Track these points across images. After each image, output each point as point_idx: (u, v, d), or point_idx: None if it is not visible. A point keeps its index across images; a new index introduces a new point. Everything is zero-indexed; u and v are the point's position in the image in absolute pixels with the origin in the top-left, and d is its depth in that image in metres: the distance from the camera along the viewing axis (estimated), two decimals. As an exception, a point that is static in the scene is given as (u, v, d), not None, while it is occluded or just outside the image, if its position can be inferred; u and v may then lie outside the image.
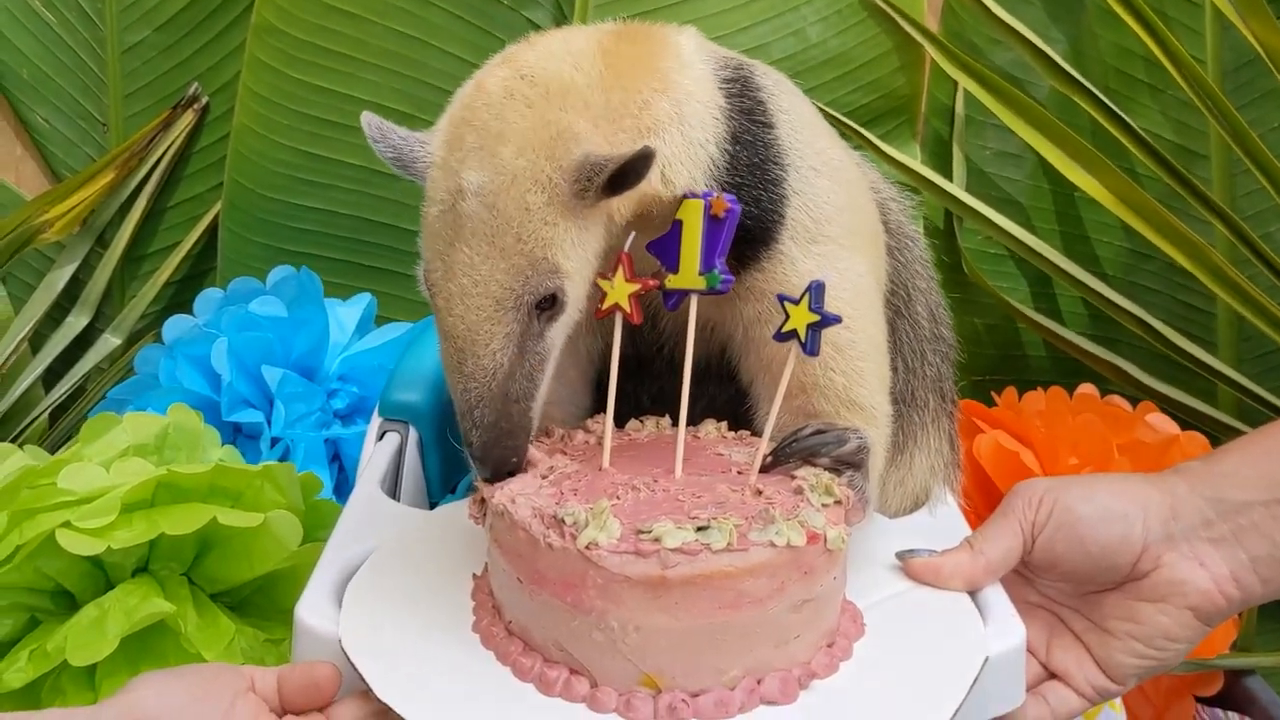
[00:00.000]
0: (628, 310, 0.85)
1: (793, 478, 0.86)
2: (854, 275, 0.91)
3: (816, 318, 0.82)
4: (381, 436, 1.20)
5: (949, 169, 1.59)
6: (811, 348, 0.83)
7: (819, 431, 0.90)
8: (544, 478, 0.86)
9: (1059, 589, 0.96)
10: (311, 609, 0.89)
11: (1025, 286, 1.63)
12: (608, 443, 0.88)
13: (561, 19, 1.51)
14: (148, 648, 1.04)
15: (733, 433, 0.96)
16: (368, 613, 0.87)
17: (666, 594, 0.76)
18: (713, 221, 0.85)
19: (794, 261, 0.89)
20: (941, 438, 1.11)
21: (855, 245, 0.92)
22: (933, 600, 0.91)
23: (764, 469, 0.88)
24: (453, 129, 0.84)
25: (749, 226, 0.87)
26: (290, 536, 1.09)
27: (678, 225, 0.85)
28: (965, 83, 1.52)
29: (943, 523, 1.05)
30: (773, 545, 0.77)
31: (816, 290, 0.83)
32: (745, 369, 0.96)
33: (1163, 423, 1.37)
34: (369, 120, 0.87)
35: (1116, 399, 1.45)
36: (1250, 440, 0.92)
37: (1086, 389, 1.45)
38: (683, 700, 0.77)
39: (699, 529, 0.77)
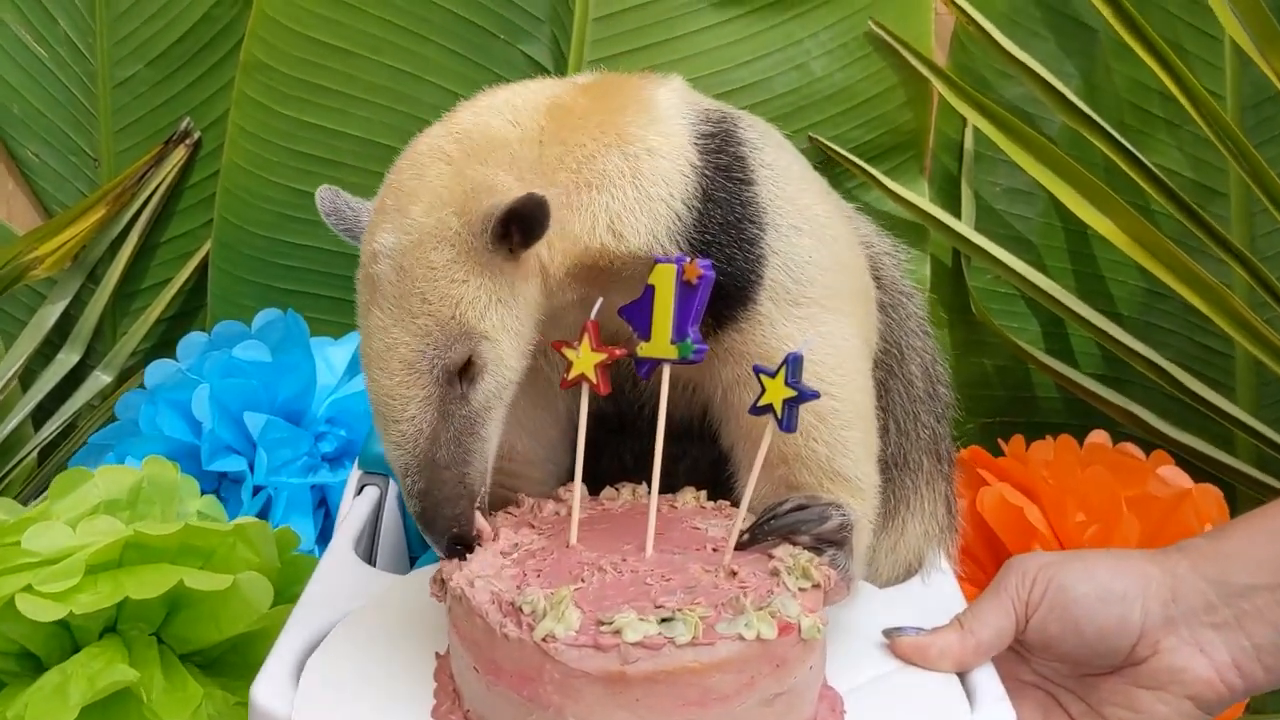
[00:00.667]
0: (594, 381, 0.81)
1: (770, 557, 0.82)
2: (839, 338, 0.87)
3: (793, 393, 0.78)
4: (360, 490, 1.17)
5: (958, 206, 1.54)
6: (788, 424, 0.79)
7: (800, 507, 0.85)
8: (506, 555, 0.82)
9: (1054, 669, 0.92)
10: (268, 687, 0.85)
11: (1036, 327, 1.58)
12: (575, 519, 0.84)
13: (558, 53, 1.47)
14: (111, 716, 1.01)
15: (712, 503, 0.92)
16: (324, 693, 0.84)
17: (627, 690, 0.72)
18: (685, 288, 0.80)
19: (773, 324, 0.85)
20: (937, 500, 1.06)
21: (841, 306, 0.88)
22: (919, 683, 0.86)
23: (740, 546, 0.84)
24: (381, 193, 0.82)
25: (724, 286, 0.83)
26: (260, 598, 1.06)
27: (650, 291, 0.81)
28: (974, 119, 1.47)
29: (935, 591, 1.01)
30: (741, 638, 0.73)
31: (793, 363, 0.79)
32: (725, 434, 0.92)
33: (1175, 476, 1.31)
34: (322, 194, 0.85)
35: (1129, 447, 1.39)
36: (1256, 518, 0.87)
37: (1098, 436, 1.40)
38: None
39: (663, 620, 0.73)
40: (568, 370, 0.82)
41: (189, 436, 1.27)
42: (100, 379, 1.56)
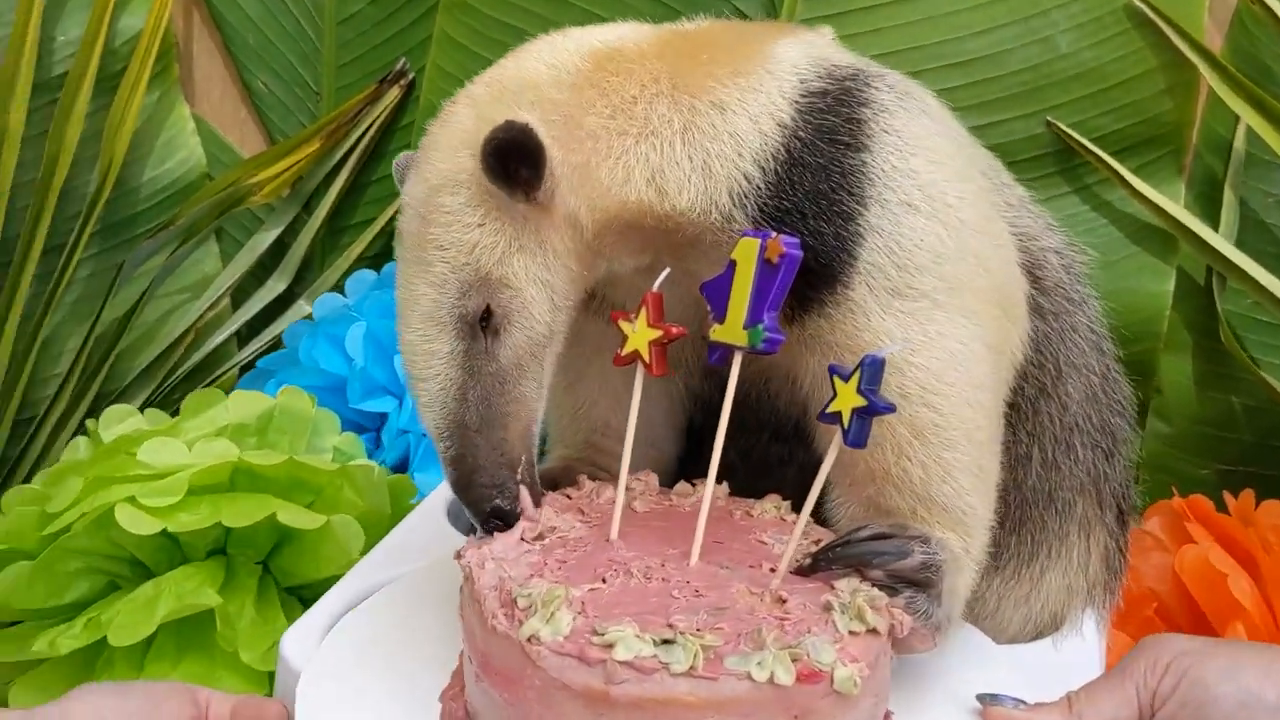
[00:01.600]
0: (647, 360, 0.72)
1: (831, 588, 0.71)
2: (953, 342, 0.74)
3: (864, 402, 0.66)
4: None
5: (1217, 215, 1.31)
6: (854, 438, 0.67)
7: (880, 536, 0.73)
8: (534, 540, 0.74)
9: None
10: (296, 639, 0.82)
11: (1299, 366, 1.33)
12: (617, 512, 0.75)
13: (770, 8, 1.37)
14: (189, 637, 1.01)
15: (795, 515, 0.81)
16: (342, 655, 0.80)
17: (609, 713, 0.63)
18: (766, 267, 0.70)
19: (868, 314, 0.73)
20: (1090, 552, 0.90)
21: (962, 304, 0.74)
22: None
23: (804, 571, 0.73)
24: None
25: (810, 264, 0.72)
26: (352, 543, 1.04)
27: (731, 267, 0.71)
28: (1248, 116, 1.25)
29: (1065, 658, 0.86)
30: (750, 678, 0.62)
31: (869, 367, 0.66)
32: (817, 437, 0.80)
33: None
34: (398, 163, 0.80)
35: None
36: None
37: (1353, 507, 1.16)
38: None
39: (662, 642, 0.63)
40: (622, 345, 0.73)
41: (343, 371, 1.27)
42: (303, 307, 1.60)
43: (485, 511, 0.74)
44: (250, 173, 1.57)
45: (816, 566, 0.72)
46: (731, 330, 0.71)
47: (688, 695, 0.62)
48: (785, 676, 0.62)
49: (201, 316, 1.59)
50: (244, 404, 1.14)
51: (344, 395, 1.27)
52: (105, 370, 1.53)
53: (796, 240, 0.69)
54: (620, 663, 0.62)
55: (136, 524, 0.99)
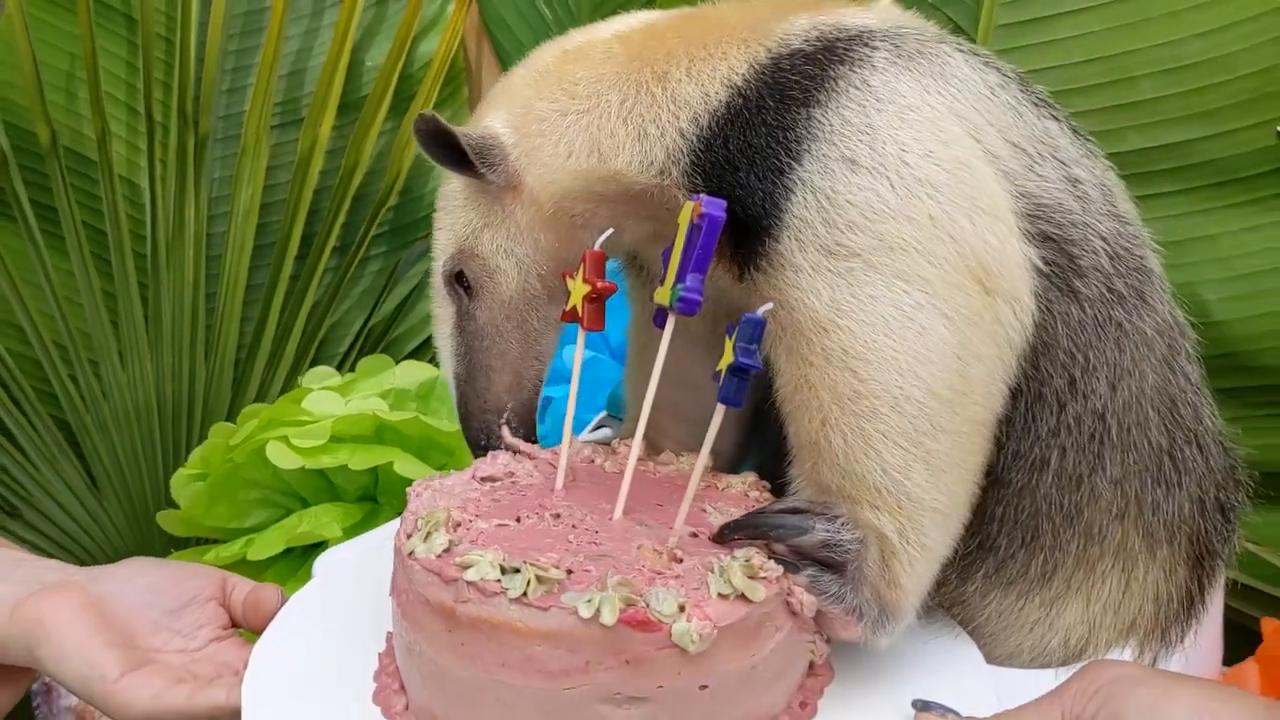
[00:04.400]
0: (580, 315, 0.75)
1: (730, 556, 0.70)
2: (886, 306, 0.71)
3: (730, 358, 0.66)
4: (597, 428, 1.18)
5: None
6: (725, 394, 0.67)
7: (792, 510, 0.72)
8: (484, 480, 0.79)
9: None
10: (325, 562, 0.93)
11: None
12: (562, 465, 0.79)
13: (974, 13, 1.32)
14: (302, 567, 1.15)
15: (759, 494, 0.80)
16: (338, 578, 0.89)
17: (456, 630, 0.68)
18: (693, 229, 0.71)
19: (798, 271, 0.72)
20: (1132, 589, 0.80)
21: (902, 268, 0.71)
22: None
23: (717, 538, 0.72)
24: None
25: (740, 218, 0.73)
26: (457, 499, 1.13)
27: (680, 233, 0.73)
28: None
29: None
30: (576, 613, 0.64)
31: (745, 325, 0.66)
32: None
33: None
34: None
35: None
36: None
37: None
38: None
39: (511, 570, 0.66)
40: (567, 301, 0.77)
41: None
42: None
43: (479, 449, 0.85)
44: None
45: (724, 536, 0.72)
46: (664, 292, 0.73)
47: (518, 622, 0.65)
48: (609, 617, 0.63)
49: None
50: (410, 372, 1.28)
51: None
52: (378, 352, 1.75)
53: (720, 202, 0.70)
54: (468, 583, 0.66)
55: (283, 459, 1.14)
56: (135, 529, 1.71)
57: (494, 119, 0.82)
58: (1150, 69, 1.25)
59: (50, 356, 1.70)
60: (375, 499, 1.23)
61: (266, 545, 1.14)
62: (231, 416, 1.68)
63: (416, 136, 0.80)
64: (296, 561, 1.16)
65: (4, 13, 1.74)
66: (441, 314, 0.87)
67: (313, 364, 1.74)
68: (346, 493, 1.21)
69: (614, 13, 1.56)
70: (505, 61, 1.78)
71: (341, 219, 1.76)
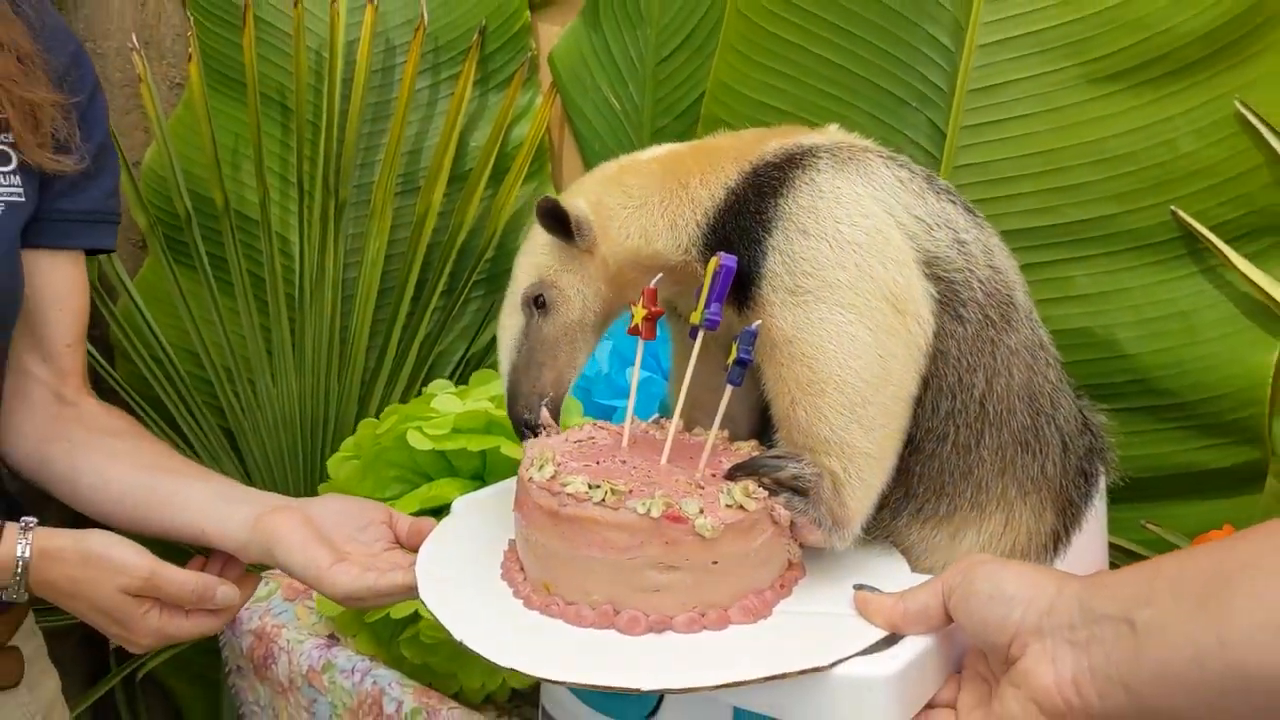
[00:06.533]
0: (640, 330, 1.14)
1: (734, 485, 1.08)
2: (829, 325, 1.05)
3: (738, 355, 1.05)
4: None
5: (1331, 297, 1.45)
6: (730, 377, 1.05)
7: (775, 456, 1.09)
8: (577, 442, 1.18)
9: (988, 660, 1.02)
10: (460, 502, 1.32)
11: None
12: (626, 434, 1.17)
13: (938, 131, 1.70)
14: (437, 520, 1.54)
15: (760, 450, 1.17)
16: (480, 509, 1.28)
17: (558, 524, 1.04)
18: (715, 275, 1.10)
19: (771, 305, 1.09)
20: (1009, 527, 1.15)
21: (840, 300, 1.06)
22: (852, 627, 1.05)
23: (729, 475, 1.10)
24: None
25: (741, 275, 1.09)
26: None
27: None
28: (1337, 206, 1.40)
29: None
30: (635, 511, 1.02)
31: (744, 335, 1.05)
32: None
33: None
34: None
35: None
36: (1151, 561, 0.91)
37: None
38: (557, 604, 1.06)
39: (593, 486, 1.05)
40: (633, 319, 1.16)
41: (593, 373, 1.78)
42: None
43: (519, 420, 1.19)
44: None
45: (734, 473, 1.10)
46: (696, 314, 1.12)
47: (600, 516, 1.02)
48: (656, 512, 1.01)
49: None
50: (510, 384, 1.67)
51: (591, 391, 1.77)
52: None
53: (733, 257, 1.08)
54: (567, 494, 1.04)
55: (419, 443, 1.54)
56: (280, 513, 2.12)
57: (581, 203, 1.17)
58: (1080, 160, 1.57)
59: (219, 377, 2.12)
60: (483, 476, 1.62)
61: (404, 507, 1.53)
62: (356, 427, 2.09)
63: (537, 209, 1.13)
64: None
65: (184, 97, 2.20)
66: (510, 323, 1.17)
67: (424, 384, 2.15)
68: (463, 470, 1.61)
69: (666, 108, 1.98)
70: (581, 143, 2.18)
71: (449, 268, 2.14)
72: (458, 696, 1.55)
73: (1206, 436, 1.58)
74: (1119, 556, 1.59)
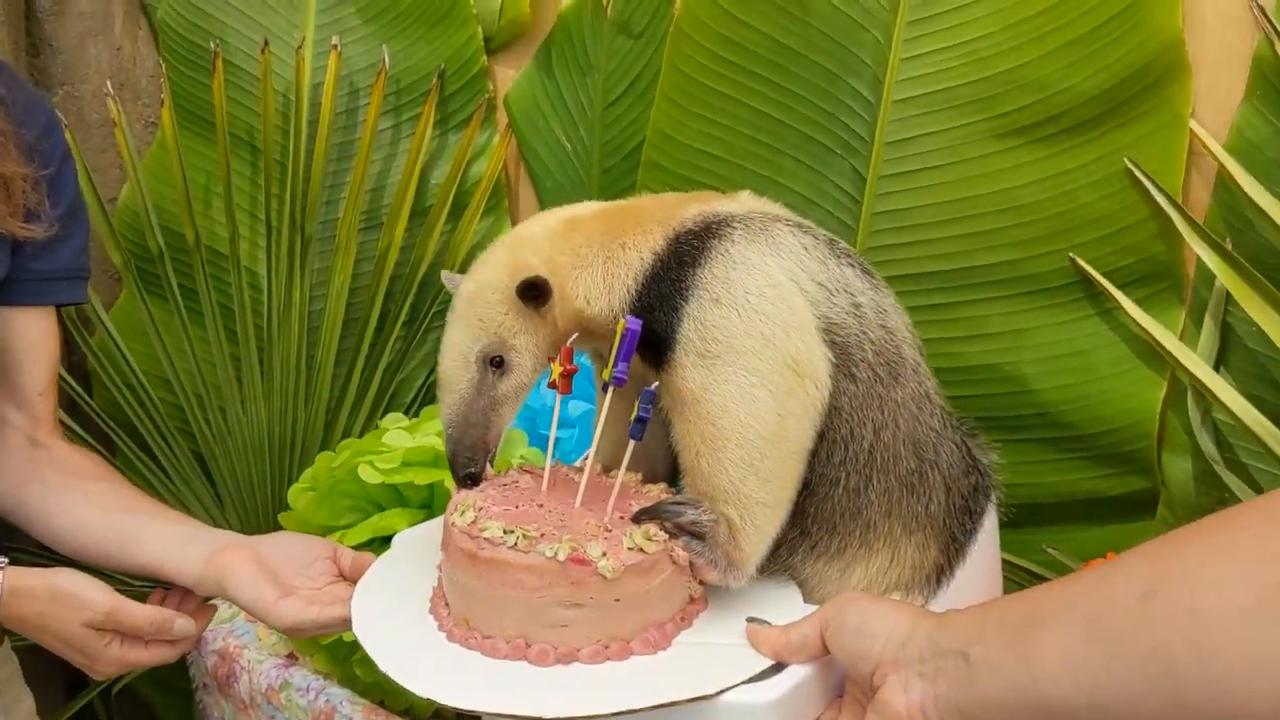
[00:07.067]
0: (557, 385, 1.25)
1: (638, 527, 1.19)
2: (733, 386, 1.14)
3: (638, 414, 1.16)
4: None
5: (1212, 341, 1.57)
6: (632, 432, 1.17)
7: (676, 503, 1.20)
8: (503, 487, 1.29)
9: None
10: (401, 536, 1.43)
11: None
12: (546, 478, 1.28)
13: (859, 178, 1.81)
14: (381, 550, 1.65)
15: (670, 494, 1.28)
16: (412, 546, 1.39)
17: (477, 565, 1.15)
18: (623, 336, 1.21)
19: (683, 367, 1.18)
20: (895, 562, 1.26)
21: (746, 364, 1.14)
22: (742, 657, 1.16)
23: (634, 519, 1.21)
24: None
25: (657, 337, 1.19)
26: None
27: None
28: (1211, 260, 1.51)
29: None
30: (544, 555, 1.13)
31: (644, 395, 1.16)
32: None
33: None
34: (446, 276, 1.35)
35: None
36: (988, 601, 1.02)
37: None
38: (475, 637, 1.17)
39: (508, 531, 1.16)
40: (550, 375, 1.27)
41: (537, 406, 1.89)
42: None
43: (464, 473, 1.21)
44: (540, 274, 2.24)
45: (638, 517, 1.21)
46: (606, 372, 1.23)
47: (512, 559, 1.13)
48: (563, 556, 1.12)
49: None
50: (458, 418, 1.78)
51: (535, 422, 1.88)
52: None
53: (639, 320, 1.18)
54: (484, 538, 1.15)
55: (370, 476, 1.65)
56: (249, 533, 2.24)
57: (537, 264, 1.19)
58: (988, 208, 1.66)
59: (191, 404, 2.23)
60: (430, 506, 1.73)
61: (356, 536, 1.64)
62: (324, 449, 2.20)
63: (521, 284, 1.17)
64: (379, 547, 1.67)
65: (158, 138, 2.30)
66: (459, 376, 1.20)
67: (386, 410, 2.26)
68: (412, 501, 1.72)
69: (614, 149, 2.08)
70: (535, 180, 2.26)
71: (410, 300, 2.22)
72: (407, 713, 1.67)
73: (1103, 466, 1.69)
74: (1022, 577, 1.70)
